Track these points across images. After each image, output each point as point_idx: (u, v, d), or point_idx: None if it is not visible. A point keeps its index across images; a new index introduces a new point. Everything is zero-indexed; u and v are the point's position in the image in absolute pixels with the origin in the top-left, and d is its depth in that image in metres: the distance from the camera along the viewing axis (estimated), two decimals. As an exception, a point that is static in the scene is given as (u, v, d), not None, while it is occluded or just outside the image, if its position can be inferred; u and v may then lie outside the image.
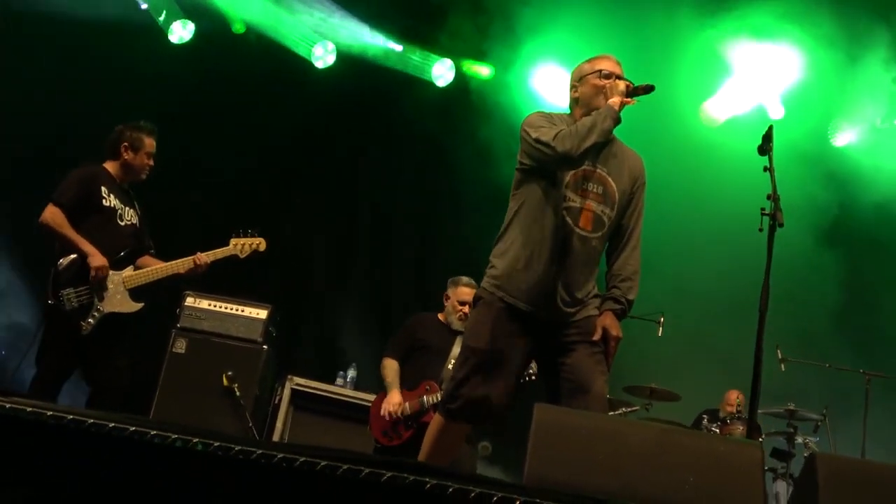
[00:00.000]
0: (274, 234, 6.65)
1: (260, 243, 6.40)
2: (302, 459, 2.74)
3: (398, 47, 10.62)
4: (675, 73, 9.45)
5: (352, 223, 10.55)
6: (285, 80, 10.54)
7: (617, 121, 4.29)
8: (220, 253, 6.24)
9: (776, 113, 9.73)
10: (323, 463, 2.72)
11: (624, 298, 4.42)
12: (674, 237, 8.61)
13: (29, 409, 2.86)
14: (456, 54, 10.50)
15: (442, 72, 10.58)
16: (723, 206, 8.51)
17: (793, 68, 9.66)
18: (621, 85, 4.34)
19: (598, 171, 4.41)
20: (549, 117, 4.46)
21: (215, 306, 7.43)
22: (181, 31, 10.63)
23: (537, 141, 4.31)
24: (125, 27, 10.09)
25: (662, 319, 7.81)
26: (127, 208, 6.03)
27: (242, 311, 7.47)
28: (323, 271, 9.97)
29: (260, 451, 2.74)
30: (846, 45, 9.19)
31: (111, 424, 2.79)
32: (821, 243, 8.96)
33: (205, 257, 6.12)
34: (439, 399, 6.52)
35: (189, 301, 7.37)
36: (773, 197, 4.28)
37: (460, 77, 10.56)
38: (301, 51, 10.60)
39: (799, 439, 7.70)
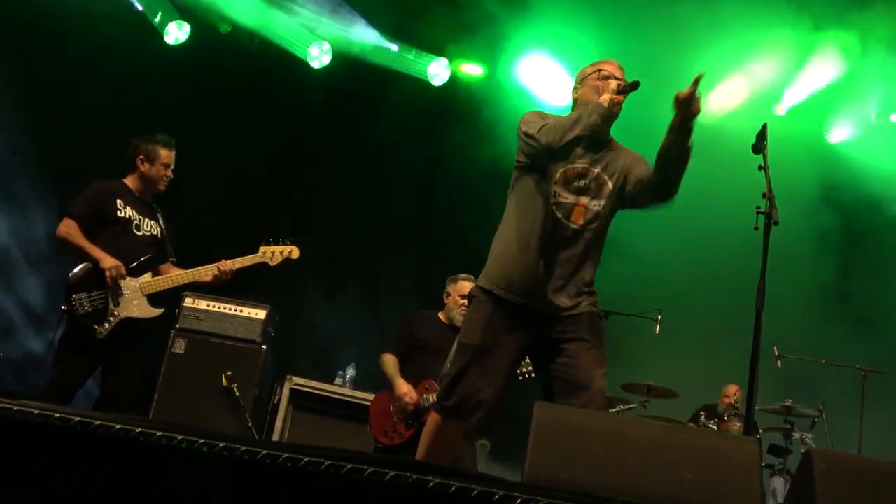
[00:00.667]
0: (271, 233, 6.62)
1: (292, 251, 6.32)
2: (307, 459, 2.76)
3: (393, 46, 10.64)
4: (670, 63, 9.45)
5: (349, 221, 10.57)
6: (281, 80, 10.55)
7: (604, 117, 4.32)
8: (247, 260, 6.20)
9: (774, 109, 9.76)
10: (327, 463, 2.74)
11: None
12: (670, 235, 8.64)
13: (37, 412, 2.89)
14: (445, 51, 10.54)
15: (438, 71, 10.61)
16: (720, 202, 8.52)
17: (789, 64, 9.71)
18: (613, 83, 4.38)
19: (594, 169, 4.46)
20: (544, 115, 4.51)
21: (214, 307, 7.44)
22: (177, 33, 10.61)
23: (525, 134, 4.40)
24: (120, 29, 10.09)
25: (660, 317, 7.84)
26: (146, 219, 6.07)
27: (241, 311, 7.48)
28: (321, 271, 9.99)
29: (265, 451, 2.77)
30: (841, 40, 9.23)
31: (118, 426, 2.81)
32: (817, 239, 9.00)
33: (229, 264, 6.10)
34: (437, 398, 6.57)
35: (188, 302, 7.38)
36: (769, 195, 4.31)
37: (453, 75, 10.60)
38: (297, 51, 10.62)
39: (796, 435, 7.75)
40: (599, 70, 4.53)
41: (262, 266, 6.28)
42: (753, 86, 9.90)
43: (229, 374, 7.22)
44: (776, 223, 4.30)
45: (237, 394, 7.20)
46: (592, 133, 4.31)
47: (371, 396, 7.40)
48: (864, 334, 8.53)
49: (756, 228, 4.33)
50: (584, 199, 4.42)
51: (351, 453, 2.83)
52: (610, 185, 4.48)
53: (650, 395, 8.06)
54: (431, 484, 2.70)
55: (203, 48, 10.49)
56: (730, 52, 9.56)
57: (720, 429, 7.61)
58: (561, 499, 2.79)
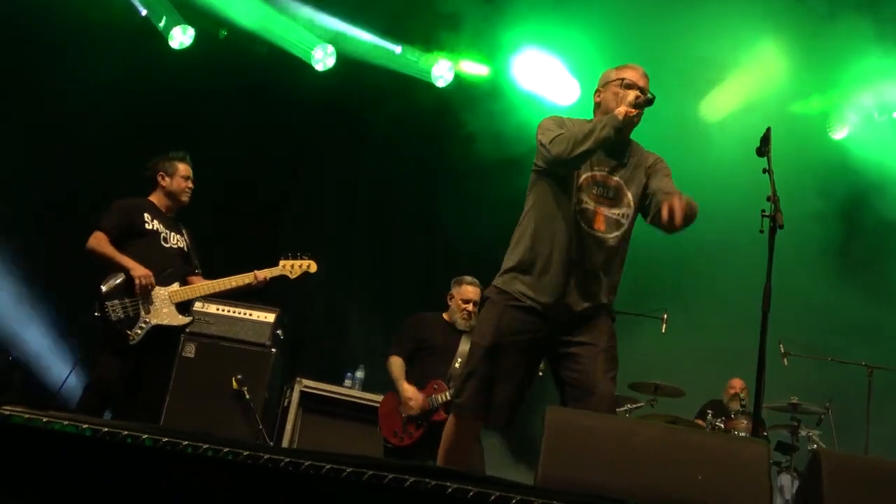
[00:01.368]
0: (276, 237, 6.75)
1: (311, 265, 6.56)
2: (328, 466, 2.80)
3: (397, 48, 10.69)
4: (669, 63, 9.49)
5: (354, 223, 10.61)
6: (286, 83, 10.59)
7: (617, 130, 4.35)
8: (269, 272, 6.44)
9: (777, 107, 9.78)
10: (349, 470, 2.78)
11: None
12: (676, 234, 8.65)
13: (45, 419, 2.93)
14: (447, 51, 10.58)
15: (441, 72, 10.65)
16: (725, 201, 8.56)
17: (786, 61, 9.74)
18: (631, 95, 4.39)
19: (614, 177, 4.48)
20: (561, 121, 4.54)
21: (223, 310, 7.46)
22: (181, 37, 10.66)
23: (540, 143, 4.47)
24: (125, 33, 10.14)
25: (666, 316, 7.87)
26: (172, 233, 6.29)
27: (250, 314, 7.50)
28: (328, 273, 10.01)
29: (288, 460, 2.81)
30: (842, 36, 9.24)
31: (144, 436, 2.86)
32: (822, 237, 9.03)
33: (263, 274, 6.31)
34: (448, 398, 6.62)
35: (197, 306, 7.38)
36: (773, 199, 4.34)
37: (456, 76, 10.64)
38: (301, 54, 10.67)
39: (802, 433, 7.78)
40: (623, 78, 4.53)
41: (282, 278, 6.50)
42: (755, 82, 9.92)
43: (239, 377, 7.24)
44: (781, 227, 4.33)
45: (248, 397, 7.23)
46: (604, 145, 4.35)
47: (380, 397, 7.46)
48: (870, 331, 8.53)
49: (761, 232, 4.36)
50: (602, 208, 4.44)
51: (370, 460, 2.87)
52: (629, 195, 4.49)
53: (657, 394, 8.09)
54: (450, 489, 2.74)
55: (208, 52, 10.53)
56: (731, 46, 9.57)
57: (728, 427, 7.62)
58: (575, 502, 2.84)
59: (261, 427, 7.17)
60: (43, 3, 9.51)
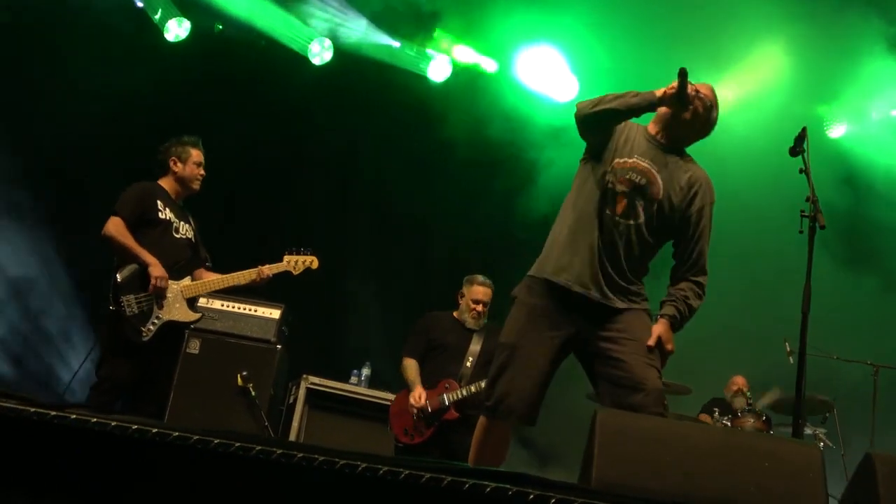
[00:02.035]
0: (280, 232, 6.71)
1: (313, 261, 6.53)
2: (363, 466, 2.74)
3: (395, 43, 10.64)
4: (670, 59, 9.50)
5: (359, 220, 10.55)
6: (282, 76, 10.51)
7: (648, 101, 4.32)
8: (274, 268, 6.41)
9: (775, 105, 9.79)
10: (384, 468, 2.73)
11: (685, 308, 4.42)
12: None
13: (94, 420, 2.86)
14: (444, 45, 10.56)
15: (439, 67, 10.61)
16: (726, 197, 8.55)
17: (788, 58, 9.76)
18: (675, 83, 4.35)
19: (649, 167, 4.42)
20: None
21: (228, 307, 7.40)
22: (177, 30, 10.56)
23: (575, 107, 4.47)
24: (120, 25, 10.03)
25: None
26: (182, 223, 6.22)
27: (255, 311, 7.44)
28: (332, 269, 9.95)
29: (322, 458, 2.75)
30: (842, 35, 9.27)
31: (174, 433, 2.80)
32: (826, 235, 9.04)
33: (267, 270, 6.30)
34: (459, 396, 6.59)
35: (202, 302, 7.30)
36: (812, 199, 4.32)
37: (455, 71, 10.61)
38: (298, 48, 10.59)
39: (808, 431, 7.79)
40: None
41: (285, 273, 6.47)
42: (755, 79, 9.94)
43: (245, 373, 7.19)
44: (822, 227, 4.33)
45: (253, 393, 7.18)
46: (629, 110, 4.33)
47: (387, 395, 7.43)
48: (875, 330, 8.56)
49: (801, 232, 4.35)
50: (628, 193, 4.39)
51: (403, 460, 2.83)
52: (662, 191, 4.42)
53: (664, 392, 8.07)
54: (489, 489, 2.68)
55: (204, 45, 10.44)
56: (733, 43, 9.57)
57: (734, 425, 7.63)
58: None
59: (266, 424, 7.11)
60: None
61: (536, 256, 4.62)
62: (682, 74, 4.25)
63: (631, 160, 4.43)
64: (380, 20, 10.56)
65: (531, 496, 2.65)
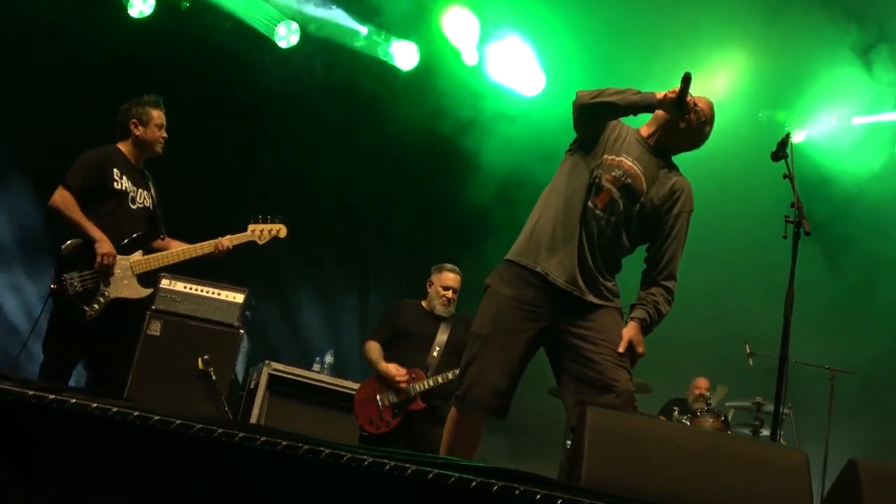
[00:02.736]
0: (241, 214, 6.53)
1: (280, 229, 6.30)
2: (327, 452, 2.69)
3: (363, 29, 10.58)
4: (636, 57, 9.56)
5: (323, 203, 10.47)
6: (247, 58, 10.38)
7: (647, 102, 4.34)
8: (237, 238, 6.16)
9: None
10: (347, 455, 2.67)
11: (655, 312, 4.44)
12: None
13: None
14: (413, 34, 10.52)
15: (405, 55, 10.58)
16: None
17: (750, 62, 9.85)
18: (676, 88, 4.36)
19: (635, 167, 4.44)
20: None
21: (191, 289, 7.29)
22: (141, 6, 10.36)
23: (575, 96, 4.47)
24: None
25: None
26: (140, 190, 5.92)
27: (219, 294, 7.34)
28: (296, 255, 9.91)
29: (285, 443, 2.70)
30: (806, 42, 9.37)
31: (155, 418, 2.73)
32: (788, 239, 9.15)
33: (227, 242, 6.04)
34: (426, 387, 6.57)
35: (164, 283, 7.20)
36: (797, 205, 4.36)
37: (423, 59, 10.58)
38: (264, 29, 10.47)
39: (765, 432, 7.90)
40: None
41: (251, 244, 6.24)
42: (720, 82, 10.01)
43: (206, 357, 7.11)
44: (808, 233, 4.37)
45: (214, 378, 7.10)
46: (626, 105, 4.34)
47: (350, 384, 7.39)
48: (834, 335, 8.69)
49: (785, 237, 4.39)
50: (613, 189, 4.40)
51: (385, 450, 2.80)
52: (645, 193, 4.45)
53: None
54: (452, 479, 2.65)
55: (169, 22, 10.26)
56: (700, 45, 9.63)
57: (693, 424, 7.71)
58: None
59: (227, 409, 7.05)
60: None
61: (497, 244, 4.61)
62: (686, 80, 4.25)
63: (619, 158, 4.45)
64: (348, 5, 10.47)
65: (495, 487, 2.61)
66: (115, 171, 5.80)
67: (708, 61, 9.82)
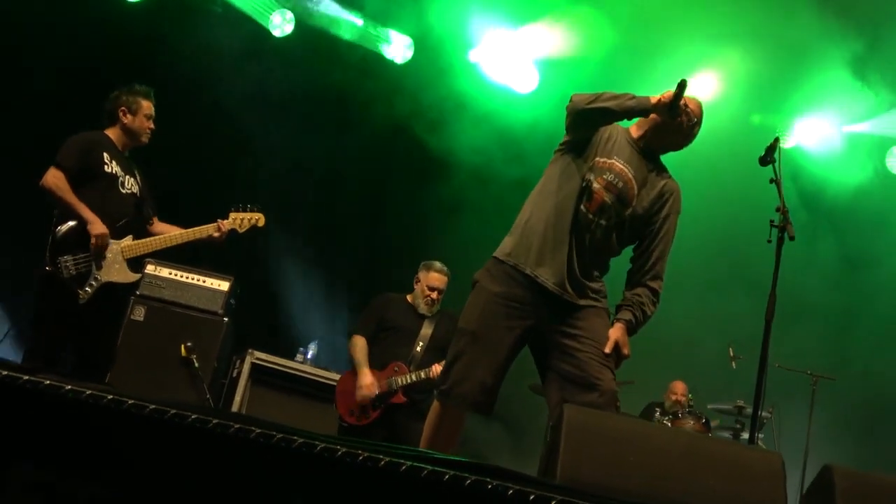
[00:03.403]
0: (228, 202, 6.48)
1: (259, 219, 6.24)
2: (300, 441, 2.68)
3: (359, 21, 10.55)
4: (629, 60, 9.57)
5: (309, 196, 10.45)
6: (241, 46, 10.33)
7: (643, 107, 4.34)
8: (222, 226, 6.08)
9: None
10: (321, 445, 2.67)
11: (640, 314, 4.46)
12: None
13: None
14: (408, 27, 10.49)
15: (400, 48, 10.55)
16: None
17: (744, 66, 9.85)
18: (669, 93, 4.37)
19: (626, 170, 4.45)
20: None
21: (176, 275, 7.31)
22: (135, -10, 10.34)
23: (570, 100, 4.45)
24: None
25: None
26: (128, 176, 5.87)
27: (204, 281, 7.37)
28: (285, 246, 9.88)
29: (259, 431, 2.70)
30: (799, 47, 9.37)
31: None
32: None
33: (226, 226, 6.02)
34: (408, 381, 6.57)
35: (149, 269, 7.21)
36: (783, 210, 4.37)
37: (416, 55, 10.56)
38: (259, 18, 10.44)
39: (745, 435, 7.90)
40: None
41: (231, 232, 6.16)
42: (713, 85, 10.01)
43: (189, 344, 7.12)
44: (792, 238, 4.38)
45: (196, 365, 7.11)
46: (621, 111, 4.33)
47: (333, 375, 7.39)
48: (816, 339, 8.71)
49: (769, 241, 4.40)
50: (605, 193, 4.40)
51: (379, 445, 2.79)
52: (635, 196, 4.46)
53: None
54: (425, 472, 2.64)
55: (162, 8, 10.21)
56: (694, 48, 9.62)
57: (674, 426, 7.71)
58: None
59: (208, 396, 7.05)
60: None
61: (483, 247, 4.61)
62: (682, 86, 4.28)
63: (610, 160, 4.45)
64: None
65: (468, 482, 2.61)
66: (105, 154, 5.75)
67: (701, 61, 9.81)
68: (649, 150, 4.54)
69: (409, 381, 6.57)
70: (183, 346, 7.12)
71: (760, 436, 7.97)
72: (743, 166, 8.26)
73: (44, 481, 2.70)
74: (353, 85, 10.26)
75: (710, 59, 9.83)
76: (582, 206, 4.39)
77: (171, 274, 7.28)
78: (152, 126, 5.99)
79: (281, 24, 10.45)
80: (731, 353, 7.89)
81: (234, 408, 7.30)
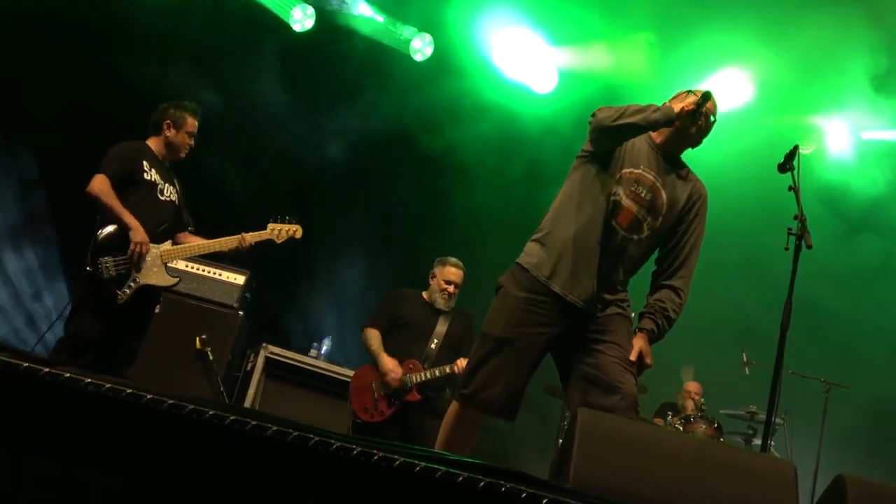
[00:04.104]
0: (248, 202, 6.56)
1: (297, 230, 6.38)
2: (316, 439, 2.70)
3: (379, 17, 10.55)
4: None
5: (326, 196, 10.45)
6: (262, 40, 10.35)
7: (668, 118, 4.33)
8: (257, 236, 6.25)
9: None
10: (337, 444, 2.68)
11: (663, 321, 4.46)
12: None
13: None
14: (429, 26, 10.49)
15: (420, 46, 10.56)
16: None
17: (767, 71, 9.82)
18: (692, 98, 4.38)
19: (654, 180, 4.44)
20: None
21: (193, 268, 7.38)
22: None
23: (592, 114, 4.44)
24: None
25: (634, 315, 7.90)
26: (167, 185, 6.10)
27: (220, 275, 7.43)
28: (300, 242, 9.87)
29: (275, 428, 2.70)
30: (819, 55, 9.33)
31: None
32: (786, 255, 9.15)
33: (249, 238, 6.15)
34: (423, 378, 6.58)
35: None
36: (800, 218, 4.36)
37: (436, 52, 10.55)
38: (279, 11, 10.46)
39: (757, 441, 7.90)
40: (690, 90, 4.55)
41: (268, 242, 6.33)
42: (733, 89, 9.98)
43: (204, 337, 7.19)
44: (809, 247, 4.37)
45: (211, 358, 7.16)
46: (648, 124, 4.32)
47: (346, 371, 7.40)
48: (830, 348, 8.69)
49: (787, 249, 4.39)
50: (635, 207, 4.40)
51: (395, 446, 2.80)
52: (665, 206, 4.45)
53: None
54: (439, 473, 2.65)
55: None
56: (714, 50, 9.60)
57: (686, 430, 7.70)
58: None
59: (222, 389, 7.09)
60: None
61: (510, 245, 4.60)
62: (706, 97, 4.34)
63: (637, 171, 4.44)
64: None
65: (481, 483, 2.62)
66: (145, 163, 5.99)
67: (724, 63, 9.79)
68: (669, 152, 4.54)
69: (424, 378, 6.58)
70: (198, 338, 7.19)
71: (772, 443, 7.97)
72: (752, 174, 8.33)
73: (60, 474, 2.72)
74: (374, 83, 10.27)
75: (735, 60, 9.80)
76: (614, 223, 4.39)
77: (187, 266, 7.33)
78: (192, 143, 6.21)
79: (301, 19, 10.46)
80: (745, 359, 7.87)
81: (248, 401, 7.33)
